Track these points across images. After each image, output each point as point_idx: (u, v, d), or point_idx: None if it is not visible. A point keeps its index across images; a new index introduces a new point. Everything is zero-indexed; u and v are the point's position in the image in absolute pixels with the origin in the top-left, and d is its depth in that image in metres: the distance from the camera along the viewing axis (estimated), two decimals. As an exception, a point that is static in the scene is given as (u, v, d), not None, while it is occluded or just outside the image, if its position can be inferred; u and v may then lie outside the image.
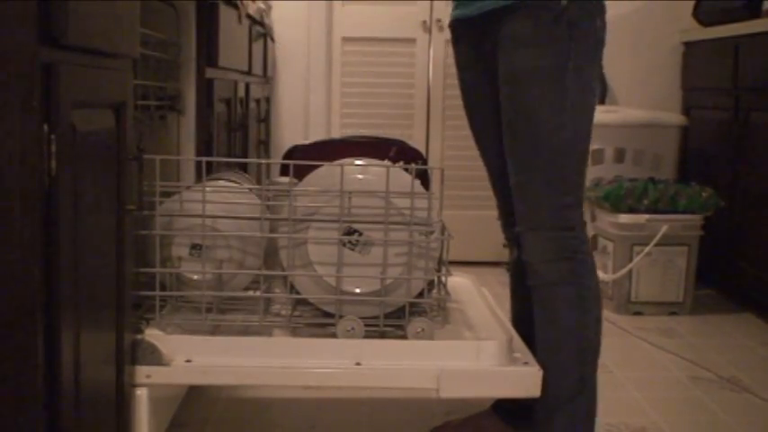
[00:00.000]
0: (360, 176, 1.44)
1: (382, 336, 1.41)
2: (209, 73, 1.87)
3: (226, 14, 1.98)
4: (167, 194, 1.46)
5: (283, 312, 1.50)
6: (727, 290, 2.97)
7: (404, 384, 1.36)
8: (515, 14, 1.44)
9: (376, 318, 1.41)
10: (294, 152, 1.67)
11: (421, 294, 1.45)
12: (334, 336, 1.39)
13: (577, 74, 1.41)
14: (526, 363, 1.39)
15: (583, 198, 1.48)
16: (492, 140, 1.56)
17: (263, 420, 1.82)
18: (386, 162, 1.48)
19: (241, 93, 2.42)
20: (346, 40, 3.34)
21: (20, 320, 0.86)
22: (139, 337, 1.30)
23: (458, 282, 1.81)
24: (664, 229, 2.66)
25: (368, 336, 1.39)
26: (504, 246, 1.72)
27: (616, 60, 3.16)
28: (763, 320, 2.71)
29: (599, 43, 1.46)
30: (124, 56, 1.14)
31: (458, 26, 1.58)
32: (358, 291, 1.41)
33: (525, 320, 1.60)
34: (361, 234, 1.41)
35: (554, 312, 1.46)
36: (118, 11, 1.08)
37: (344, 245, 1.40)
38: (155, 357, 1.29)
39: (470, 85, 1.60)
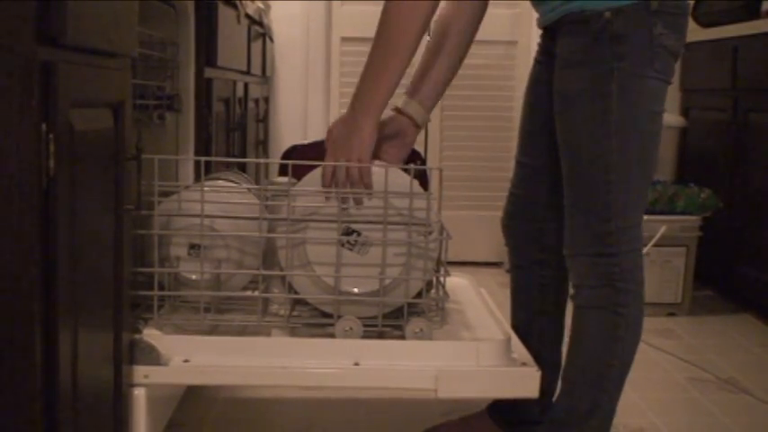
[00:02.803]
0: None
1: (381, 336, 1.41)
2: (208, 73, 1.87)
3: (224, 14, 1.98)
4: (166, 194, 1.46)
5: (282, 312, 1.50)
6: (726, 291, 2.98)
7: (402, 385, 1.36)
8: (562, 32, 1.43)
9: (374, 318, 1.41)
10: (293, 152, 1.67)
11: (419, 295, 1.45)
12: (332, 336, 1.39)
13: (623, 93, 1.35)
14: (524, 363, 1.39)
15: (637, 221, 1.42)
16: (535, 141, 1.56)
17: (261, 420, 1.82)
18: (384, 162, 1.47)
19: (240, 92, 2.42)
20: (345, 40, 3.34)
21: (18, 320, 0.86)
22: (137, 336, 1.30)
23: (456, 282, 1.80)
24: (662, 229, 2.66)
25: (366, 336, 1.39)
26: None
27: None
28: (761, 321, 2.72)
29: (659, 53, 1.37)
30: (122, 55, 1.14)
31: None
32: (356, 291, 1.41)
33: (533, 334, 1.60)
34: (359, 234, 1.41)
35: (584, 335, 1.45)
36: (116, 10, 1.08)
37: (343, 245, 1.40)
38: (152, 357, 1.29)
39: (537, 79, 1.58)
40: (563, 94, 1.43)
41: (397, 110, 1.54)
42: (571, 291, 1.49)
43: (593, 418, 1.44)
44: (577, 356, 1.46)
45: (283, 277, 1.46)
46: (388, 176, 1.39)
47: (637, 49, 1.36)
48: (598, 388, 1.44)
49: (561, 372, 1.50)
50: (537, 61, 1.60)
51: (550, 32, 1.51)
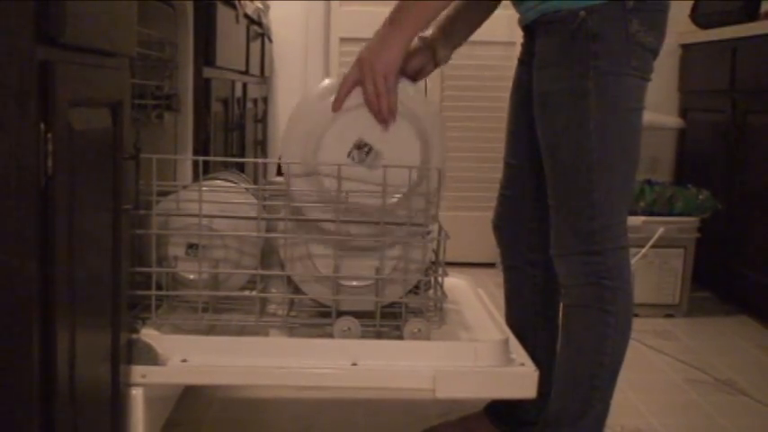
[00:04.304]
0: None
1: (379, 336, 1.41)
2: (207, 72, 1.87)
3: (223, 14, 1.98)
4: (164, 194, 1.46)
5: (280, 312, 1.50)
6: (724, 292, 2.98)
7: (400, 385, 1.36)
8: (539, 31, 1.43)
9: (372, 318, 1.41)
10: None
11: (417, 289, 1.45)
12: (330, 336, 1.39)
13: (600, 91, 1.35)
14: (522, 364, 1.39)
15: (621, 219, 1.43)
16: (521, 142, 1.56)
17: (259, 421, 1.82)
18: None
19: (238, 92, 2.41)
20: (344, 40, 3.34)
21: (16, 319, 0.86)
22: (135, 336, 1.30)
23: (454, 283, 1.81)
24: (660, 231, 2.66)
25: (364, 336, 1.39)
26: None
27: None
28: (759, 323, 2.72)
29: (636, 50, 1.36)
30: (121, 55, 1.14)
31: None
32: (355, 284, 1.41)
33: (528, 334, 1.60)
34: (371, 148, 1.38)
35: (573, 333, 1.45)
36: (115, 10, 1.08)
37: (354, 159, 1.39)
38: (150, 357, 1.29)
39: (520, 80, 1.58)
40: (541, 94, 1.43)
41: (422, 39, 1.51)
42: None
43: (586, 416, 1.44)
44: (568, 356, 1.46)
45: (282, 277, 1.46)
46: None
47: (613, 48, 1.35)
48: (589, 386, 1.44)
49: (555, 372, 1.50)
50: (520, 61, 1.60)
51: (530, 32, 1.51)
